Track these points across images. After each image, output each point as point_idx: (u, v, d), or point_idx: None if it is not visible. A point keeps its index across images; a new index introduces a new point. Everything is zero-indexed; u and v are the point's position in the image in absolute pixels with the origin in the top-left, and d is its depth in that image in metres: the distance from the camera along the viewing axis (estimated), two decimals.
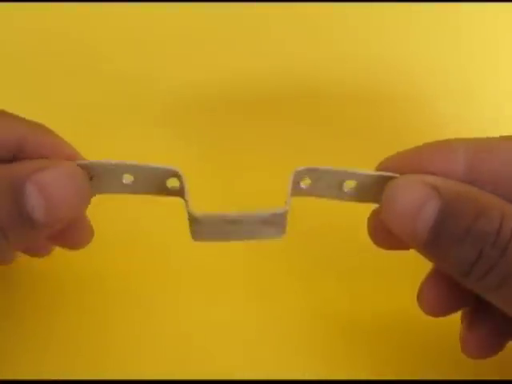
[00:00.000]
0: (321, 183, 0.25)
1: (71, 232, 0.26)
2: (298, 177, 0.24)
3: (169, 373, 0.27)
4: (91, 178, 0.24)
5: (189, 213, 0.23)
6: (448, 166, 0.24)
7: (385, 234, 0.25)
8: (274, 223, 0.23)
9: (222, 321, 0.30)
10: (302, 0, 0.39)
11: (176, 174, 0.24)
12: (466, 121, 0.37)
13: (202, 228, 0.23)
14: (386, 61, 0.39)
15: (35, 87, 0.38)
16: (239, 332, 0.29)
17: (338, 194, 0.25)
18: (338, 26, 0.39)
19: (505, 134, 0.25)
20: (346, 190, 0.25)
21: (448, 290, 0.25)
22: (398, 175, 0.24)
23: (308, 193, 0.25)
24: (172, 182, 0.24)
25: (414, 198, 0.22)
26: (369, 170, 0.25)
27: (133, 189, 0.25)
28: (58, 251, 0.29)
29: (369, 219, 0.26)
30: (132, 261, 0.32)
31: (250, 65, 0.39)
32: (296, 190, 0.25)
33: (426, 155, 0.24)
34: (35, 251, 0.28)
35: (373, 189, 0.24)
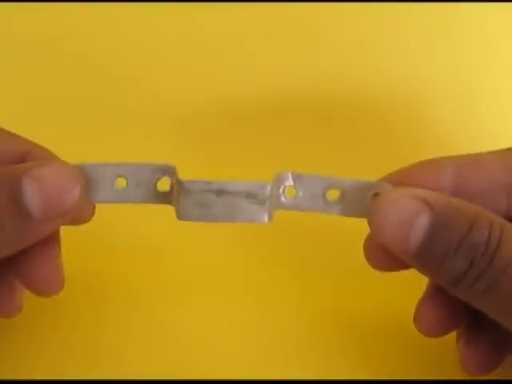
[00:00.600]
0: (306, 192, 0.25)
1: (41, 274, 0.25)
2: (282, 182, 0.25)
3: (168, 373, 0.27)
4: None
5: (178, 182, 0.23)
6: (436, 183, 0.24)
7: (381, 256, 0.25)
8: (258, 198, 0.23)
9: (221, 321, 0.30)
10: (300, 0, 0.39)
11: (169, 171, 0.24)
12: (466, 125, 0.37)
13: (186, 200, 0.23)
14: (385, 62, 0.39)
15: (34, 87, 0.38)
16: (237, 332, 0.30)
17: (323, 206, 0.25)
18: (336, 26, 0.39)
19: (504, 138, 0.25)
20: (330, 200, 0.25)
21: (446, 310, 0.25)
22: (385, 184, 0.24)
23: (293, 205, 0.25)
24: (163, 185, 0.25)
25: (406, 212, 0.22)
26: (354, 178, 0.25)
27: (124, 195, 0.25)
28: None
29: (365, 242, 0.26)
30: (129, 262, 0.32)
31: (250, 67, 0.39)
32: (280, 202, 0.25)
33: (415, 173, 0.25)
34: (2, 309, 0.26)
35: (359, 200, 0.24)
